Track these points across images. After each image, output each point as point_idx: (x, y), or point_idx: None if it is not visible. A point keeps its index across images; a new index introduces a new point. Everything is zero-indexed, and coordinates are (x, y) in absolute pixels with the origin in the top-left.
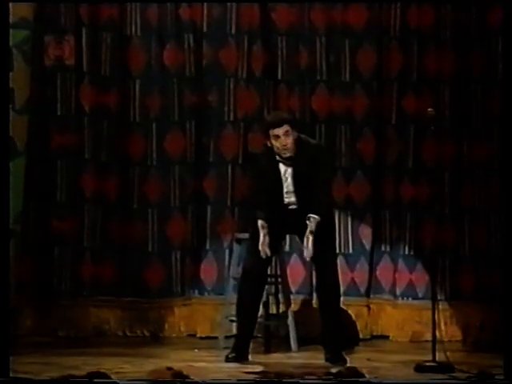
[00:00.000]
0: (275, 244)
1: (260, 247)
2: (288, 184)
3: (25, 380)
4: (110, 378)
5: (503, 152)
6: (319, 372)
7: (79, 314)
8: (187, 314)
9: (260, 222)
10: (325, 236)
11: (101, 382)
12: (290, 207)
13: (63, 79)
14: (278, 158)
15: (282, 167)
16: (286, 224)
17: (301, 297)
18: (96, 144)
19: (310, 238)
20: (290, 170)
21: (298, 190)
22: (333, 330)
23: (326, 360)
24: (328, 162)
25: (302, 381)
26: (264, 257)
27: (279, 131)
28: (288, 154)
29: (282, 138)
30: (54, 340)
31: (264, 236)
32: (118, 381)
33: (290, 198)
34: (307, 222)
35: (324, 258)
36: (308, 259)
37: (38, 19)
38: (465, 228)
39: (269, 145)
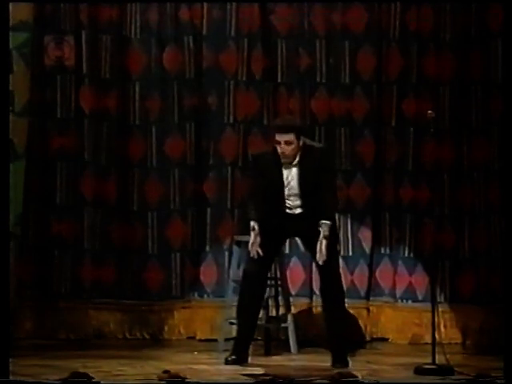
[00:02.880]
0: (275, 247)
1: (250, 247)
2: (291, 187)
3: (24, 382)
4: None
5: (503, 154)
6: (319, 374)
7: (79, 316)
8: (187, 317)
9: (252, 223)
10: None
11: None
12: (292, 211)
13: (63, 82)
14: (283, 160)
15: (285, 171)
16: (288, 228)
17: (300, 299)
18: (96, 146)
19: (324, 242)
20: (294, 174)
21: (303, 193)
22: (338, 333)
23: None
24: (333, 166)
25: (301, 381)
26: (256, 257)
27: (282, 138)
28: (286, 161)
29: (282, 145)
30: (53, 342)
31: (255, 237)
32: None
33: (294, 202)
34: (319, 228)
35: (328, 262)
36: (321, 263)
37: (38, 22)
38: (464, 230)
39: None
